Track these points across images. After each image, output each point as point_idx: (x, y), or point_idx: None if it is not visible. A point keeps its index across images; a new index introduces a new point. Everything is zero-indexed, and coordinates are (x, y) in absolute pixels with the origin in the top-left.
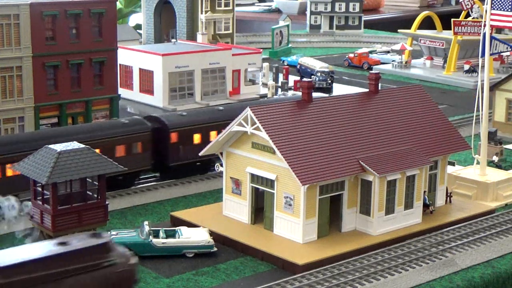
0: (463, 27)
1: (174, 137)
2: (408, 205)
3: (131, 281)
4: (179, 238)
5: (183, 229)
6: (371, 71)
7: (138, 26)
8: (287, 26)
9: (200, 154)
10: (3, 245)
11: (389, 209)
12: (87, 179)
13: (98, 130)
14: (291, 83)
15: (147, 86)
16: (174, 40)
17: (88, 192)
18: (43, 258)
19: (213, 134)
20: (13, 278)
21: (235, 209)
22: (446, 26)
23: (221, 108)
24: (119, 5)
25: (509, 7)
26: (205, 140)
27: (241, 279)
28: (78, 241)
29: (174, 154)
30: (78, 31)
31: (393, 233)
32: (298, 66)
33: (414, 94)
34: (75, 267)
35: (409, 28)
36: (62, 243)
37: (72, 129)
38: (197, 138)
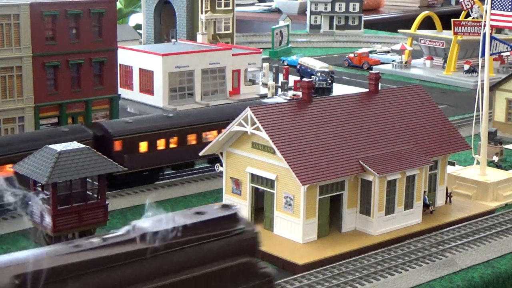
0: (463, 27)
1: (117, 145)
2: (408, 205)
3: (256, 247)
4: None
5: None
6: (371, 71)
7: (138, 26)
8: (287, 26)
9: (200, 154)
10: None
11: (389, 209)
12: (87, 179)
13: (36, 139)
14: (291, 83)
15: (147, 86)
16: (174, 40)
17: (88, 192)
18: (186, 225)
19: (160, 142)
20: (162, 242)
21: None
22: (446, 26)
23: (170, 115)
24: (119, 5)
25: (509, 7)
26: (152, 149)
27: None
28: (212, 211)
29: (118, 163)
30: (78, 31)
31: (393, 233)
32: (298, 66)
33: (414, 94)
34: (212, 234)
35: (409, 28)
36: (199, 213)
37: (9, 138)
38: (143, 146)
